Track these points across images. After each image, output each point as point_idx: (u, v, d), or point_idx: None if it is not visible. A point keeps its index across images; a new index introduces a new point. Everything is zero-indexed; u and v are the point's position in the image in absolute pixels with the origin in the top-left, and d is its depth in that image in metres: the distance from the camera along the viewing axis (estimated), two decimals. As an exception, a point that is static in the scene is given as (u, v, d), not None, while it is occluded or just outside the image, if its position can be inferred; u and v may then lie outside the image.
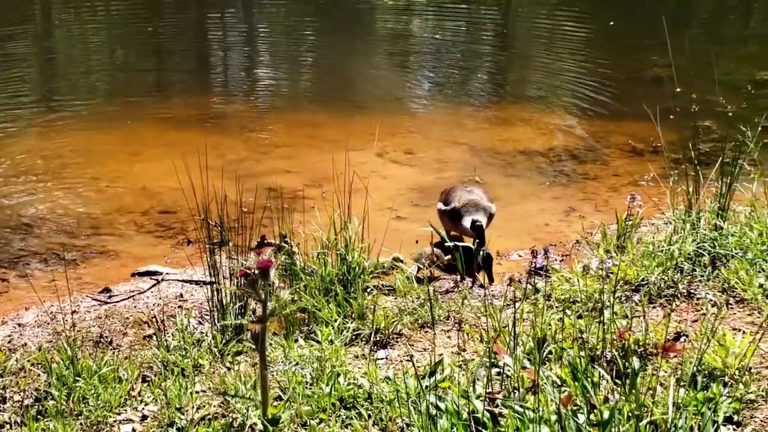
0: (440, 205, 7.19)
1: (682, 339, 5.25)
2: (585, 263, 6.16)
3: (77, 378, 4.89)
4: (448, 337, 5.56)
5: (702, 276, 6.01)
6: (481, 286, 6.42)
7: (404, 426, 4.45)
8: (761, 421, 4.45)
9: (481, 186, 7.34)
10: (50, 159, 9.87)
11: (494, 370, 4.62)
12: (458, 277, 6.66)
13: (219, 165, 7.08)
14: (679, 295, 5.84)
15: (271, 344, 5.27)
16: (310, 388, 4.76)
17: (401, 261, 6.73)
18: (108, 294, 6.58)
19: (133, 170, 9.45)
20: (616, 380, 4.35)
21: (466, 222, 6.86)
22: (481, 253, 6.68)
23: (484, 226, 6.83)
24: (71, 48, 15.80)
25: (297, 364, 5.01)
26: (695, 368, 4.62)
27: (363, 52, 15.66)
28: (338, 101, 12.36)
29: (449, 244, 6.87)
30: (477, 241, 6.70)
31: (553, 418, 3.92)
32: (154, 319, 5.93)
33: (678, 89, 6.85)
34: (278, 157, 9.93)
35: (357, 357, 5.24)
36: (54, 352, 5.23)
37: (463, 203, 6.97)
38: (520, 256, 7.21)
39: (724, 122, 6.99)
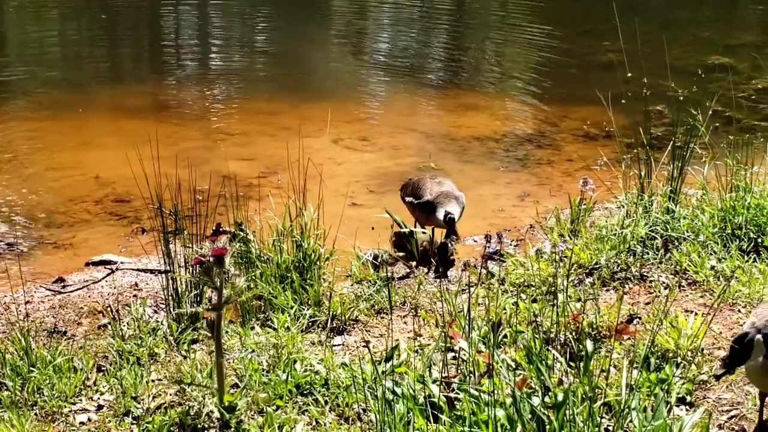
0: (410, 199, 7.15)
1: (635, 321, 5.32)
2: (538, 247, 6.22)
3: (31, 368, 4.85)
4: (405, 323, 5.58)
5: (654, 259, 6.09)
6: (437, 271, 6.45)
7: (361, 411, 4.47)
8: (713, 401, 4.52)
9: (448, 177, 7.31)
10: (1, 148, 9.75)
11: (450, 355, 4.65)
12: (414, 264, 6.68)
13: (173, 153, 7.04)
14: (632, 278, 5.91)
15: (227, 332, 5.27)
16: (267, 376, 4.77)
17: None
18: (62, 284, 6.53)
19: (86, 159, 9.35)
20: (571, 363, 4.39)
21: (440, 214, 6.83)
22: (447, 241, 6.68)
23: (457, 218, 6.82)
24: (22, 35, 15.59)
25: (253, 351, 5.01)
26: (648, 350, 4.69)
27: (318, 38, 15.60)
28: (293, 88, 12.31)
29: (405, 230, 6.89)
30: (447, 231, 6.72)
31: (509, 401, 3.95)
32: (108, 309, 5.89)
33: (629, 74, 6.91)
34: (233, 145, 9.88)
35: (314, 344, 5.24)
36: (8, 342, 5.18)
37: (435, 195, 6.92)
38: (475, 241, 7.25)
39: (675, 107, 7.05)
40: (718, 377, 3.98)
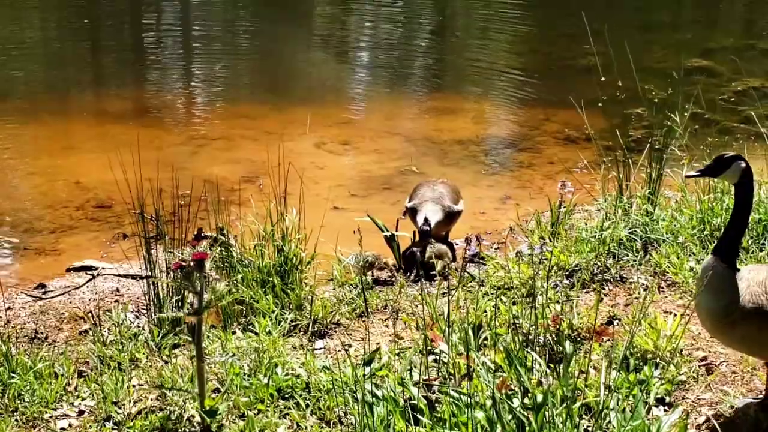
0: (406, 201, 7.18)
1: (614, 323, 5.35)
2: (518, 250, 6.25)
3: (12, 374, 4.85)
4: (386, 326, 5.60)
5: (634, 260, 6.13)
6: (417, 274, 6.46)
7: (342, 414, 4.49)
8: (692, 401, 4.56)
9: (448, 184, 7.29)
10: (-18, 154, 9.74)
11: (431, 357, 4.68)
12: (395, 267, 6.69)
13: (155, 158, 7.04)
14: (611, 280, 5.95)
15: (208, 337, 5.27)
16: (248, 380, 4.78)
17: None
18: (43, 290, 6.51)
19: (67, 164, 9.34)
20: (550, 364, 4.42)
21: (419, 220, 6.84)
22: (416, 250, 6.64)
23: (434, 223, 6.79)
24: (2, 38, 15.52)
25: (234, 355, 5.02)
26: (627, 351, 4.72)
27: (300, 42, 15.60)
28: (275, 92, 12.32)
29: (387, 233, 6.90)
30: (420, 239, 6.71)
31: (489, 402, 3.98)
32: (90, 314, 5.88)
33: (608, 77, 6.94)
34: (215, 149, 9.87)
35: (295, 347, 5.26)
36: (-12, 349, 5.17)
37: (422, 200, 6.93)
38: (457, 244, 7.26)
39: (654, 109, 7.09)
40: (689, 176, 4.31)
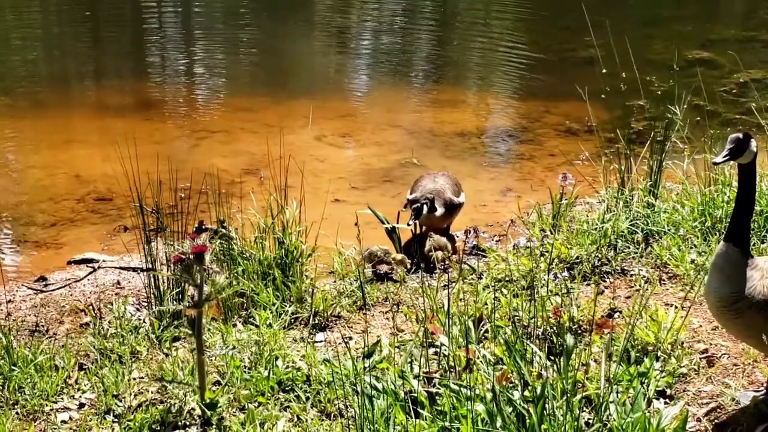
0: (408, 194, 7.18)
1: (615, 315, 5.34)
2: (516, 242, 6.24)
3: (13, 367, 4.85)
4: (387, 319, 5.59)
5: (635, 253, 6.12)
6: (418, 266, 6.46)
7: (342, 407, 4.49)
8: (693, 394, 4.55)
9: (449, 176, 7.27)
10: (-19, 147, 9.73)
11: (431, 350, 4.68)
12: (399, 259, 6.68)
13: (155, 151, 7.05)
14: (612, 272, 5.94)
15: (209, 329, 5.27)
16: (249, 372, 4.78)
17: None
18: (44, 282, 6.51)
19: (68, 157, 9.32)
20: (551, 357, 4.42)
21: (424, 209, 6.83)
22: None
23: (438, 215, 6.80)
24: (2, 30, 15.50)
25: (235, 348, 5.02)
26: (628, 343, 4.71)
27: (300, 34, 15.59)
28: (276, 84, 12.30)
29: (387, 226, 6.90)
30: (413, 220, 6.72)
31: (489, 395, 3.97)
32: (90, 307, 5.88)
33: (609, 70, 6.93)
34: (215, 142, 9.86)
35: (296, 340, 5.26)
36: (-11, 341, 5.17)
37: (423, 193, 6.93)
38: (457, 236, 7.26)
39: (656, 102, 7.09)
40: (717, 162, 4.22)
